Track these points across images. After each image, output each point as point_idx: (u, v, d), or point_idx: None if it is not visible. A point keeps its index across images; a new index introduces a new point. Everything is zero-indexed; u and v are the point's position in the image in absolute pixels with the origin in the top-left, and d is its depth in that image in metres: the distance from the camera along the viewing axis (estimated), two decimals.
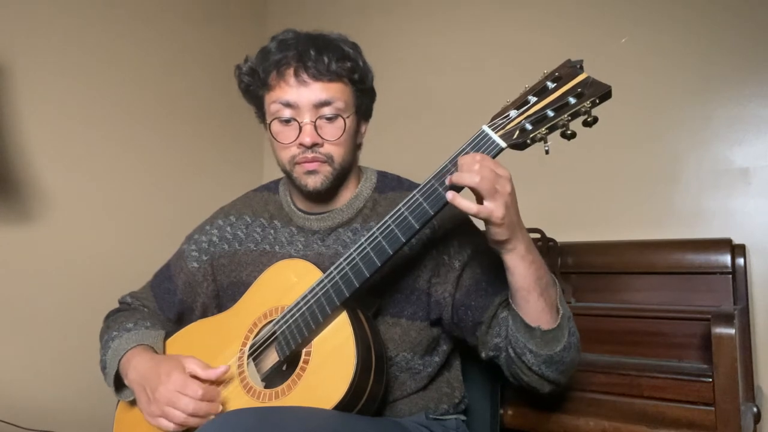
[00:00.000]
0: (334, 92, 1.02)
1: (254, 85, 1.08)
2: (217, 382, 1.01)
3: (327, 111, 1.03)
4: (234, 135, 2.58)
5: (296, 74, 1.02)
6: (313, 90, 1.01)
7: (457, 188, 0.87)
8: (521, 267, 0.90)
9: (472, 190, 0.85)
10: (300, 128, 1.02)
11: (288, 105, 1.03)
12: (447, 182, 0.87)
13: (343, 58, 1.03)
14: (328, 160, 1.04)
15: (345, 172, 1.09)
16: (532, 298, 0.92)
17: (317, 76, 1.01)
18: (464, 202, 0.85)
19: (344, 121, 1.04)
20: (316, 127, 1.02)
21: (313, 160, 1.04)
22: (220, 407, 0.97)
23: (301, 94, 1.02)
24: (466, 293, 1.04)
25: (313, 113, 1.02)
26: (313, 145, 1.02)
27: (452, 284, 1.04)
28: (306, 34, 1.06)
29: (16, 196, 1.80)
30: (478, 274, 1.04)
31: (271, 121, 1.05)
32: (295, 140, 1.03)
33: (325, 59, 1.01)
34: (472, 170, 0.83)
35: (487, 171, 0.83)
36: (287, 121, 1.04)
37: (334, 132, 1.04)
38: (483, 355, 1.04)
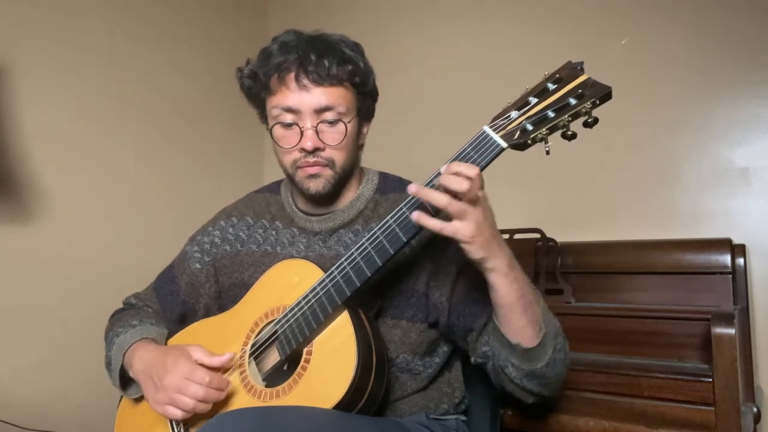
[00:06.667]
0: (335, 97, 1.02)
1: (255, 88, 1.07)
2: (223, 370, 1.02)
3: (328, 116, 1.02)
4: (234, 135, 2.58)
5: (297, 79, 1.01)
6: (314, 95, 1.01)
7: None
8: (503, 285, 0.90)
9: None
10: (301, 133, 1.02)
11: (289, 110, 1.02)
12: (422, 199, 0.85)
13: (345, 62, 1.02)
14: (330, 164, 1.04)
15: (347, 174, 1.09)
16: (514, 315, 0.92)
17: (318, 81, 1.00)
18: (429, 222, 0.84)
19: (345, 125, 1.04)
20: (317, 132, 1.02)
21: (314, 165, 1.03)
22: (224, 395, 0.98)
23: (303, 99, 1.01)
24: (461, 299, 1.04)
25: (314, 118, 1.02)
26: (315, 150, 1.02)
27: (449, 288, 1.04)
28: (307, 35, 1.05)
29: (16, 196, 1.80)
30: (473, 281, 1.03)
31: (273, 126, 1.05)
32: (297, 145, 1.03)
33: (326, 63, 1.00)
34: (451, 187, 0.81)
35: (474, 191, 0.82)
36: (289, 126, 1.03)
37: (335, 136, 1.03)
38: (472, 360, 1.06)
